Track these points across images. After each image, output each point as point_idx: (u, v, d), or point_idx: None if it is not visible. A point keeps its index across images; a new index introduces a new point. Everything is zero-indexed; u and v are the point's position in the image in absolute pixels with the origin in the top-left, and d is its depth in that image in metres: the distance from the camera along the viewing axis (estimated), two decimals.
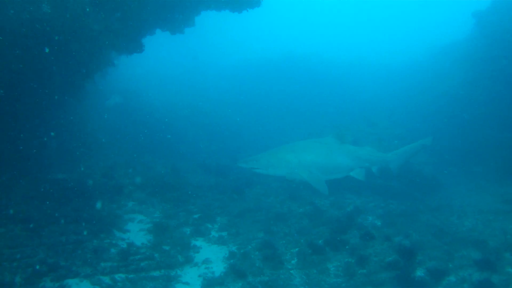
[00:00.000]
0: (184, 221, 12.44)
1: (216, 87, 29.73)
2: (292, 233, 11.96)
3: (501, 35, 17.31)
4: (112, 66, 13.06)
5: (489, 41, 17.94)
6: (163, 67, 34.76)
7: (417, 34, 44.96)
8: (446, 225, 12.91)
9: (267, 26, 64.67)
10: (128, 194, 13.83)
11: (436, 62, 23.76)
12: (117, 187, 13.78)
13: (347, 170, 10.87)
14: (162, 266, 9.71)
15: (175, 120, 22.12)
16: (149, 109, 22.15)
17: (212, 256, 10.70)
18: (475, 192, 15.87)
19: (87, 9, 9.04)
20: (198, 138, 21.17)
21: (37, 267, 8.79)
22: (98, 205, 11.95)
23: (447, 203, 14.66)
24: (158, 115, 21.66)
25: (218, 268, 10.16)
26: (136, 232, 11.45)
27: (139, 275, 9.29)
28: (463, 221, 13.31)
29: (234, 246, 11.22)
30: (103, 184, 13.74)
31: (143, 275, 9.33)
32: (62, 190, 12.00)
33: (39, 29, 9.26)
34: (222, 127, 22.52)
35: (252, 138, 21.74)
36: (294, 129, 23.01)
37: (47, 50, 10.04)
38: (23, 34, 9.35)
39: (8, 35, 9.12)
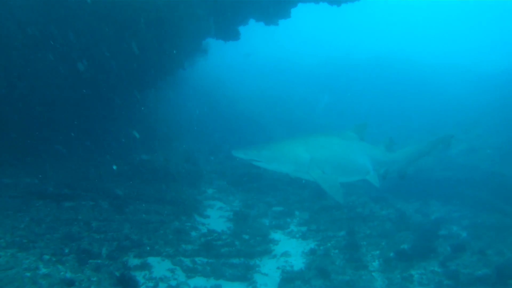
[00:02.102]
0: (263, 212, 12.31)
1: (301, 84, 29.38)
2: (374, 235, 11.48)
3: None
4: (205, 53, 13.12)
5: None
6: (247, 60, 34.70)
7: None
8: None
9: (354, 23, 63.17)
10: (208, 181, 13.91)
11: None
12: (198, 173, 13.87)
13: (364, 173, 8.91)
14: (241, 255, 9.58)
15: (258, 114, 22.08)
16: (236, 101, 22.23)
17: (291, 249, 10.46)
18: None
19: None
20: (279, 132, 20.99)
21: (123, 242, 8.91)
22: (180, 188, 12.04)
23: None
24: (242, 107, 21.69)
25: (297, 262, 9.90)
26: (216, 219, 11.45)
27: (219, 260, 9.21)
28: None
29: (314, 242, 10.91)
30: (185, 169, 13.85)
31: (223, 261, 9.24)
32: (146, 171, 12.22)
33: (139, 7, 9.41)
34: (305, 124, 22.20)
35: None
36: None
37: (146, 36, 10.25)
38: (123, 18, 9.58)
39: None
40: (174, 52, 11.86)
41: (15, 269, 7.55)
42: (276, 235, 11.17)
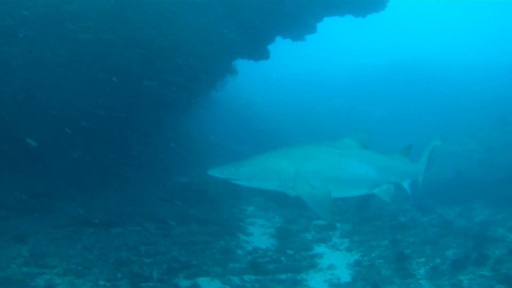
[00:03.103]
0: (305, 227, 12.42)
1: (332, 95, 29.41)
2: (417, 243, 11.43)
3: None
4: (235, 74, 13.46)
5: None
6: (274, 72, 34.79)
7: None
8: None
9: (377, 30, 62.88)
10: (247, 199, 14.11)
11: None
12: (236, 192, 14.08)
13: (370, 186, 7.69)
14: (288, 270, 9.70)
15: (289, 128, 22.26)
16: (266, 117, 22.48)
17: (336, 262, 10.52)
18: None
19: (222, 17, 9.41)
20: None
21: (172, 264, 9.15)
22: (221, 208, 12.29)
23: None
24: (273, 123, 21.91)
25: (344, 274, 9.95)
26: (259, 236, 11.62)
27: (266, 277, 9.35)
28: None
29: (358, 254, 10.96)
30: (223, 188, 14.09)
31: (270, 277, 9.37)
32: (187, 194, 12.52)
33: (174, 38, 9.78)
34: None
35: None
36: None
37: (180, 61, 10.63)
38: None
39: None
40: (206, 75, 12.24)
41: None
42: (320, 248, 11.26)
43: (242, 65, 16.57)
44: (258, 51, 11.98)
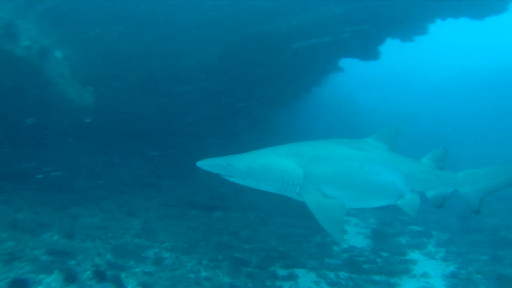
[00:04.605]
0: (400, 231, 12.35)
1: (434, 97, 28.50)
2: None
3: None
4: (341, 71, 13.59)
5: None
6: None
7: None
8: None
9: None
10: None
11: None
12: None
13: (394, 196, 6.52)
14: (383, 272, 9.75)
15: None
16: (365, 116, 22.32)
17: (430, 271, 10.35)
18: None
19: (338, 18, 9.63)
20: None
21: (270, 252, 9.56)
22: None
23: None
24: (371, 123, 21.66)
25: (438, 284, 9.79)
26: (354, 235, 11.74)
27: (360, 276, 9.47)
28: None
29: (455, 265, 10.69)
30: None
31: (365, 277, 9.48)
32: None
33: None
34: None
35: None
36: None
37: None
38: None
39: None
40: (313, 72, 12.51)
41: (180, 270, 8.52)
42: (414, 254, 11.14)
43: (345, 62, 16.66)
44: (370, 52, 12.01)
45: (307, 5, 9.59)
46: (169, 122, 11.91)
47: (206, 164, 5.87)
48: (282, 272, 9.13)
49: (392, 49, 15.13)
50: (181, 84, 10.73)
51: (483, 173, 7.01)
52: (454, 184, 6.99)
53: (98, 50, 10.24)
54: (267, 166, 5.87)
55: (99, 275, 7.86)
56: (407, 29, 12.86)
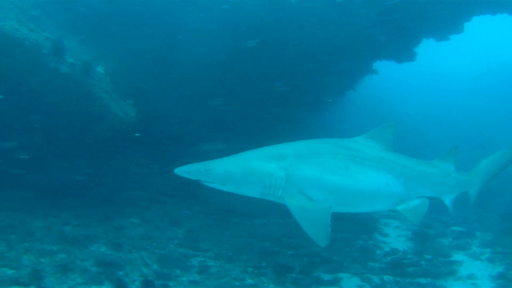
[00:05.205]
0: (442, 232, 12.23)
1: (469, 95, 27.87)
2: None
3: None
4: (375, 73, 13.54)
5: None
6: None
7: None
8: None
9: None
10: None
11: None
12: None
13: (391, 201, 6.06)
14: (428, 274, 9.64)
15: (426, 132, 21.71)
16: (400, 118, 22.09)
17: (476, 272, 10.17)
18: None
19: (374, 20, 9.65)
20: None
21: (313, 258, 9.60)
22: None
23: None
24: (407, 125, 21.46)
25: (486, 286, 9.62)
26: (395, 237, 11.68)
27: (405, 279, 9.40)
28: None
29: (502, 266, 10.47)
30: None
31: (409, 280, 9.41)
32: None
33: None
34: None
35: None
36: None
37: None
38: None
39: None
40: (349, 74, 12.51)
41: (226, 278, 8.64)
42: (458, 256, 10.98)
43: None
44: (405, 53, 11.94)
45: (343, 10, 9.64)
46: (206, 131, 12.07)
47: (184, 170, 5.63)
48: (326, 276, 9.15)
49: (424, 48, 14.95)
50: (221, 95, 10.91)
51: (485, 167, 6.87)
52: (466, 186, 6.68)
53: (137, 63, 10.49)
54: (247, 170, 5.59)
55: (148, 285, 8.05)
56: (443, 28, 12.68)
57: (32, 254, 8.77)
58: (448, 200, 6.50)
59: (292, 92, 11.86)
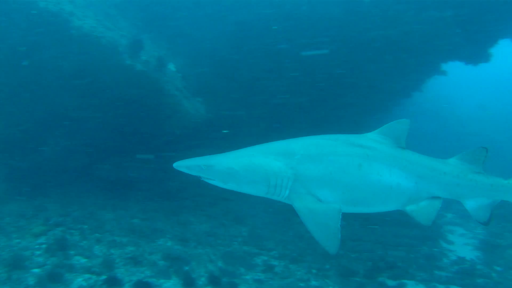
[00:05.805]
0: None
1: None
2: None
3: None
4: (443, 75, 13.17)
5: None
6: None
7: None
8: None
9: None
10: (447, 204, 13.78)
11: None
12: None
13: (400, 199, 5.46)
14: None
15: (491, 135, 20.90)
16: (465, 121, 21.48)
17: None
18: None
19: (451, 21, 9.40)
20: None
21: (377, 263, 9.49)
22: None
23: None
24: (472, 127, 20.82)
25: None
26: (461, 246, 11.37)
27: None
28: None
29: None
30: None
31: None
32: None
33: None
34: None
35: None
36: None
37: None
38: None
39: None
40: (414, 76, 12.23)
41: (290, 278, 8.69)
42: None
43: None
44: (480, 55, 11.52)
45: (417, 9, 9.44)
46: (270, 126, 12.09)
47: (183, 165, 5.18)
48: (390, 282, 9.04)
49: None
50: (286, 92, 10.91)
51: None
52: (502, 192, 5.65)
53: (206, 61, 10.66)
54: (251, 167, 5.15)
55: (215, 281, 8.20)
56: None
57: (104, 245, 9.16)
58: (468, 205, 5.72)
59: (354, 91, 11.77)
